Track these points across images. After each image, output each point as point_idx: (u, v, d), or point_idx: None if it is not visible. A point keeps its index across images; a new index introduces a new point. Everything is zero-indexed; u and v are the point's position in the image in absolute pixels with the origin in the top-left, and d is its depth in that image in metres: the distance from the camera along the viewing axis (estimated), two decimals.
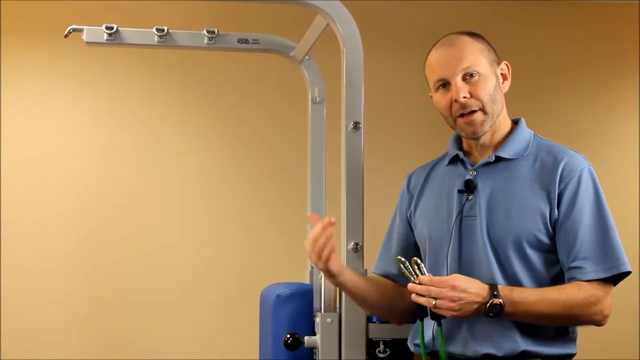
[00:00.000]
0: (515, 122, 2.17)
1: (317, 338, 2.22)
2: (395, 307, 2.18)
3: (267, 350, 2.51)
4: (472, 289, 1.92)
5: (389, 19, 4.76)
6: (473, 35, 2.13)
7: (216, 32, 2.79)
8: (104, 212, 4.45)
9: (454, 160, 2.18)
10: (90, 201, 4.45)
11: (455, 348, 2.05)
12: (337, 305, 2.23)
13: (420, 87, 4.96)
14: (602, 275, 1.99)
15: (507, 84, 2.14)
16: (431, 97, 2.15)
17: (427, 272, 2.01)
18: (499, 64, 2.12)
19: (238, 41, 2.83)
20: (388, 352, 2.30)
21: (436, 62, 2.11)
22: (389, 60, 4.67)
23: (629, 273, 2.01)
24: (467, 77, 2.06)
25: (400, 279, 2.15)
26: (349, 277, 2.08)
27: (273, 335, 2.41)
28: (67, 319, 4.37)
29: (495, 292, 1.93)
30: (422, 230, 2.18)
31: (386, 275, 2.22)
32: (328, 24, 2.31)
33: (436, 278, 1.94)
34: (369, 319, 2.26)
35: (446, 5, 4.80)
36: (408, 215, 2.24)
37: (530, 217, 2.02)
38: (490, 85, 2.07)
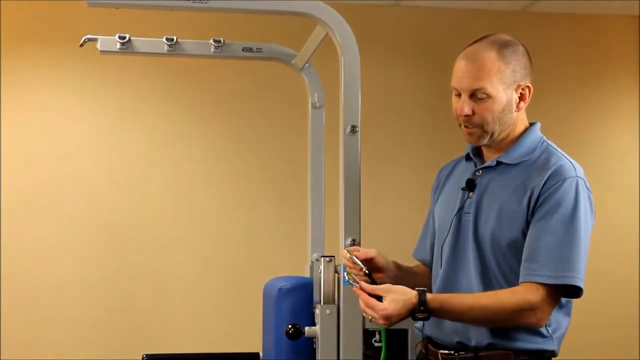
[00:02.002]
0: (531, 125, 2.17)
1: (316, 328, 2.28)
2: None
3: (270, 339, 2.57)
4: (403, 311, 1.96)
5: (384, 29, 4.78)
6: (504, 50, 2.07)
7: (222, 41, 2.83)
8: (107, 211, 4.47)
9: (469, 157, 2.22)
10: (93, 201, 4.47)
11: (436, 333, 2.14)
12: (336, 297, 2.28)
13: (413, 91, 5.05)
14: (546, 281, 1.95)
15: (524, 104, 2.11)
16: None
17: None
18: (520, 86, 2.09)
19: (243, 50, 2.87)
20: None
21: (456, 70, 2.10)
22: (385, 67, 4.70)
23: (578, 289, 1.97)
24: (476, 96, 2.06)
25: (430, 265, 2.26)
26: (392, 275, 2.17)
27: (275, 325, 2.47)
28: (69, 319, 4.39)
29: (422, 307, 1.96)
30: (435, 221, 2.26)
31: (422, 261, 2.32)
32: (327, 34, 2.35)
33: (370, 300, 1.97)
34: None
35: (439, 15, 4.82)
36: (434, 207, 2.30)
37: (511, 220, 2.04)
38: (497, 108, 2.06)
